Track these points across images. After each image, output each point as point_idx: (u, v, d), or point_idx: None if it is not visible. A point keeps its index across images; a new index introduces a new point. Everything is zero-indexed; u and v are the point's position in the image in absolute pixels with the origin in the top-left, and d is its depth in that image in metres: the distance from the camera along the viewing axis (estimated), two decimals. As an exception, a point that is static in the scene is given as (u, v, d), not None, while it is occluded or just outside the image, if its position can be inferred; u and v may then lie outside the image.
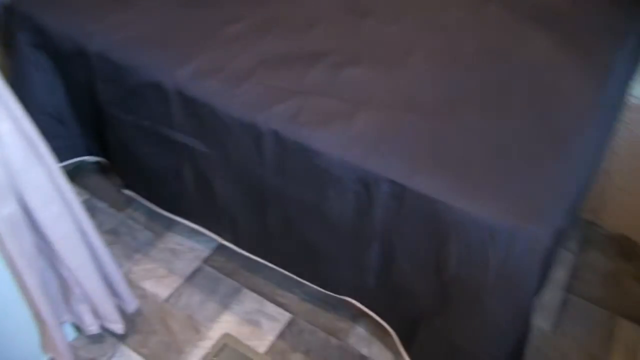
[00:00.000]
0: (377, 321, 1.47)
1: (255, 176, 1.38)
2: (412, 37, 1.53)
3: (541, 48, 1.53)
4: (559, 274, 1.78)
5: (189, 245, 1.81)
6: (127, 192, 1.82)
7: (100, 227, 1.79)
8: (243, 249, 1.61)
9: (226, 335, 1.59)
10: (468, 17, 1.65)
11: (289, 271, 1.57)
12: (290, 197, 1.35)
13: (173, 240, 1.83)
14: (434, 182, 1.14)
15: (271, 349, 1.57)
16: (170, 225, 1.85)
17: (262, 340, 1.58)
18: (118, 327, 1.49)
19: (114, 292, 1.46)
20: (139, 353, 1.55)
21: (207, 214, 1.62)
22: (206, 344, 1.57)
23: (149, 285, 1.71)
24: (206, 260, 1.78)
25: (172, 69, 1.41)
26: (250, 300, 1.68)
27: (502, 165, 1.17)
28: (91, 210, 1.85)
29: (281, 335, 1.60)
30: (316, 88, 1.34)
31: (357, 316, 1.61)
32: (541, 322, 1.64)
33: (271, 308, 1.67)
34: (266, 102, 1.31)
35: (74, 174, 1.92)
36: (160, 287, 1.71)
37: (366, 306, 1.47)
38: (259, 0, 1.66)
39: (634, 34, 1.69)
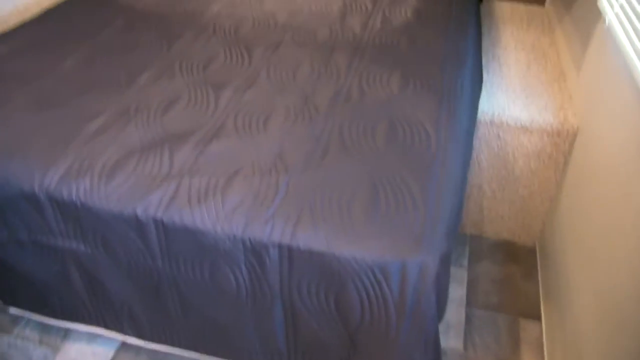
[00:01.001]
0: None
1: (146, 266, 1.39)
2: (269, 99, 1.63)
3: (391, 85, 1.68)
4: (457, 292, 1.90)
5: (91, 350, 1.77)
6: (13, 310, 1.75)
7: (-13, 358, 1.71)
8: (148, 340, 1.60)
9: None
10: (319, 68, 1.77)
11: (199, 351, 1.57)
12: (185, 279, 1.38)
13: (72, 349, 1.78)
14: (317, 237, 1.21)
15: None
16: (66, 334, 1.80)
17: None
18: None
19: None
20: None
21: (104, 313, 1.60)
22: None
23: (57, 404, 1.64)
24: (112, 362, 1.74)
25: (40, 175, 1.41)
26: (167, 392, 1.66)
27: (378, 204, 1.27)
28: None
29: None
30: (187, 168, 1.39)
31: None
32: (452, 342, 1.75)
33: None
34: (141, 192, 1.34)
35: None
36: (69, 402, 1.65)
37: (283, 370, 1.50)
38: (114, 90, 1.69)
39: (472, 60, 1.89)
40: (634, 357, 1.10)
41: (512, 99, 2.11)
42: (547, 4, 2.92)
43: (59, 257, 1.48)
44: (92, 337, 1.75)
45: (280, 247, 1.22)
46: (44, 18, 2.19)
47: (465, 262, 2.02)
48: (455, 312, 1.84)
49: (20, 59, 1.88)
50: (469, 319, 1.84)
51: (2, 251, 1.55)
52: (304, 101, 1.61)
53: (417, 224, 1.23)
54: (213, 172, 1.37)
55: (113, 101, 1.65)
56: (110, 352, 1.76)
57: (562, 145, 2.06)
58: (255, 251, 1.25)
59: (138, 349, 1.65)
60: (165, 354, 1.61)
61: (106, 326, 1.64)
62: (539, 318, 1.85)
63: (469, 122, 1.70)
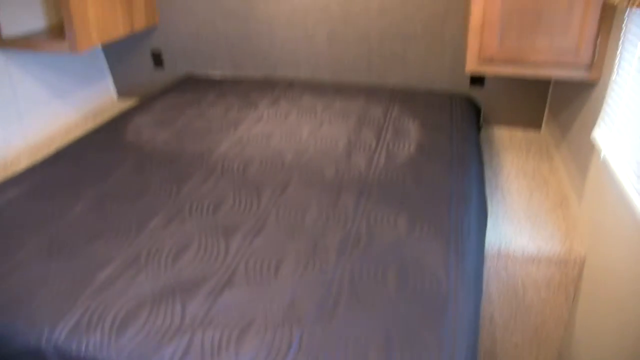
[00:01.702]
0: None
1: None
2: (279, 245, 1.67)
3: (399, 227, 1.72)
4: None
5: None
6: None
7: None
8: None
9: None
10: (328, 211, 1.82)
11: None
12: None
13: None
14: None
15: None
16: None
17: None
18: None
19: None
20: None
21: None
22: None
23: None
24: None
25: (48, 329, 1.41)
26: None
27: (393, 356, 1.27)
28: None
29: None
30: (199, 321, 1.40)
31: None
32: None
33: None
34: (153, 347, 1.34)
35: None
36: None
37: None
38: (125, 236, 1.74)
39: (477, 195, 1.96)
40: None
41: (518, 229, 2.15)
42: (542, 129, 3.04)
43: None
44: None
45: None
46: (55, 160, 2.28)
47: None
48: None
49: (31, 204, 1.95)
50: None
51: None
52: (313, 246, 1.65)
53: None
54: (225, 325, 1.38)
55: (124, 248, 1.69)
56: None
57: (570, 274, 2.08)
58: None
59: None
60: None
61: None
62: None
63: (477, 259, 1.73)
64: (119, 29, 3.04)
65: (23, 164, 2.60)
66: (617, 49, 1.95)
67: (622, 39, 1.92)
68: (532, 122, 3.07)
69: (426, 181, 2.01)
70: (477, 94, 3.05)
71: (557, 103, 2.79)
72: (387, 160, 2.17)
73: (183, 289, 1.50)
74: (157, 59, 3.50)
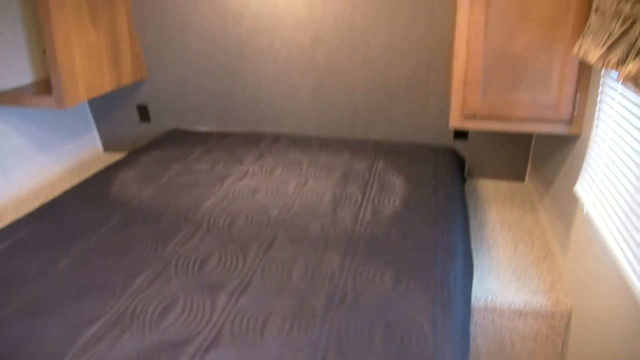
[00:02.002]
0: None
1: None
2: (265, 303, 1.68)
3: (385, 283, 1.74)
4: None
5: None
6: None
7: None
8: None
9: None
10: (314, 268, 1.84)
11: None
12: None
13: None
14: None
15: None
16: None
17: None
18: None
19: None
20: None
21: None
22: None
23: None
24: None
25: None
26: None
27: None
28: None
29: None
30: (186, 382, 1.39)
31: None
32: None
33: None
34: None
35: None
36: None
37: None
38: (110, 294, 1.74)
39: (462, 249, 1.98)
40: None
41: (504, 282, 2.17)
42: (526, 180, 3.09)
43: None
44: None
45: None
46: (40, 214, 2.28)
47: None
48: None
49: (16, 259, 1.95)
50: None
51: None
52: (299, 304, 1.65)
53: None
54: (212, 386, 1.38)
55: (109, 305, 1.69)
56: None
57: (557, 327, 2.09)
58: None
59: None
60: None
61: None
62: None
63: (464, 313, 1.75)
64: (105, 85, 3.09)
65: (8, 218, 2.60)
66: (595, 105, 2.02)
67: (599, 95, 1.99)
68: (516, 173, 3.13)
69: (412, 236, 2.03)
70: (460, 146, 3.11)
71: (539, 155, 2.85)
72: (372, 216, 2.19)
73: (168, 349, 1.50)
74: (144, 113, 3.55)
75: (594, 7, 1.92)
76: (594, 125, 2.03)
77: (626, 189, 1.70)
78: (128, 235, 2.09)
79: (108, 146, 3.72)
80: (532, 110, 2.21)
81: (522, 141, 3.03)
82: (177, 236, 2.06)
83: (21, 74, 3.05)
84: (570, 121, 2.20)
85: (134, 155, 3.01)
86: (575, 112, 2.18)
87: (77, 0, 2.81)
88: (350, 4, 2.92)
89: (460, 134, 3.07)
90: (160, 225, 2.15)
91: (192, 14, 3.16)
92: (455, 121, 2.29)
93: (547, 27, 2.10)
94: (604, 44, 1.67)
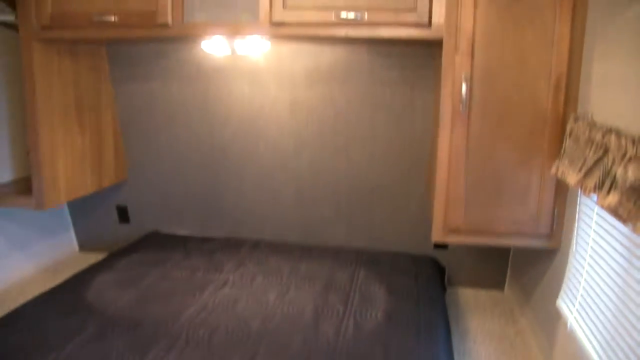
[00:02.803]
0: None
1: None
2: None
3: None
4: None
5: None
6: None
7: None
8: None
9: None
10: None
11: None
12: None
13: None
14: None
15: None
16: None
17: None
18: None
19: None
20: None
21: None
22: None
23: None
24: None
25: None
26: None
27: None
28: None
29: None
30: None
31: None
32: None
33: None
34: None
35: None
36: None
37: None
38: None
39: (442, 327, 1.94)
40: None
41: (488, 400, 2.12)
42: (505, 290, 3.10)
43: None
44: None
45: None
46: (10, 321, 2.21)
47: None
48: None
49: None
50: None
51: None
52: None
53: None
54: None
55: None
56: None
57: None
58: None
59: None
60: None
61: None
62: None
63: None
64: (87, 187, 3.10)
65: (-24, 325, 2.51)
66: (574, 220, 2.07)
67: (578, 211, 2.05)
68: (495, 282, 3.14)
69: (395, 352, 2.00)
70: (440, 255, 3.13)
71: (519, 265, 2.88)
72: (355, 329, 2.16)
73: None
74: (123, 214, 3.53)
75: (568, 131, 2.01)
76: (574, 240, 2.08)
77: (608, 307, 1.71)
78: (103, 347, 2.01)
79: (84, 246, 3.67)
80: (512, 225, 2.26)
81: (501, 251, 3.06)
82: (154, 349, 1.99)
83: (2, 171, 3.04)
84: (549, 235, 2.25)
85: (112, 258, 2.96)
86: (554, 227, 2.22)
87: (65, 103, 2.87)
88: (333, 111, 3.02)
89: (441, 244, 3.10)
90: (138, 336, 2.08)
91: (178, 116, 3.23)
92: (438, 236, 2.32)
93: (524, 147, 2.19)
94: (580, 169, 1.73)
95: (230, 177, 3.28)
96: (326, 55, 2.94)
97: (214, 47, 2.67)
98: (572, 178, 1.81)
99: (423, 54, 2.82)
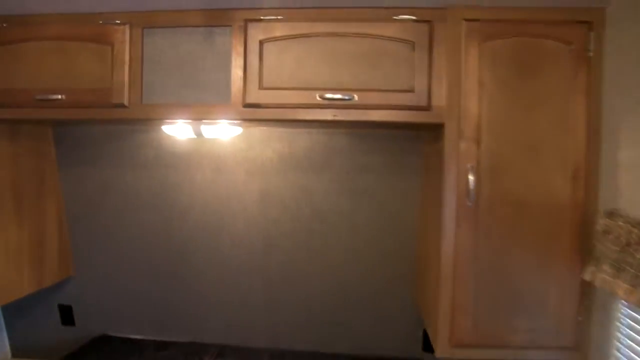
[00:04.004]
0: None
1: None
2: None
3: None
4: None
5: None
6: None
7: None
8: None
9: None
10: None
11: None
12: None
13: None
14: None
15: None
16: None
17: None
18: None
19: None
20: None
21: None
22: None
23: None
24: None
25: None
26: None
27: None
28: None
29: None
30: None
31: None
32: None
33: None
34: None
35: None
36: None
37: None
38: None
39: None
40: None
41: None
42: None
43: None
44: None
45: None
46: None
47: None
48: None
49: None
50: None
51: None
52: None
53: None
54: None
55: None
56: None
57: None
58: None
59: None
60: None
61: None
62: None
63: None
64: (23, 288, 2.64)
65: None
66: (606, 331, 1.76)
67: (610, 319, 1.74)
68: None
69: None
70: (429, 359, 2.74)
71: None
72: None
73: None
74: (67, 315, 3.06)
75: (599, 229, 1.72)
76: (604, 353, 1.75)
77: None
78: None
79: (19, 352, 3.14)
80: (529, 337, 1.93)
81: None
82: None
83: None
84: (573, 348, 1.91)
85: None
86: (579, 339, 1.90)
87: (1, 191, 2.45)
88: (309, 204, 2.68)
89: (430, 346, 2.73)
90: None
91: (132, 206, 2.83)
92: (443, 351, 1.96)
93: (541, 247, 1.89)
94: (634, 282, 1.43)
95: (191, 275, 2.86)
96: (302, 139, 2.62)
97: (176, 130, 2.33)
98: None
99: (408, 137, 2.54)
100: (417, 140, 2.53)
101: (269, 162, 2.66)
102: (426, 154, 2.45)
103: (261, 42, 2.01)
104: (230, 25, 2.06)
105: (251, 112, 2.03)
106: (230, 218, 2.76)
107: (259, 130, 2.61)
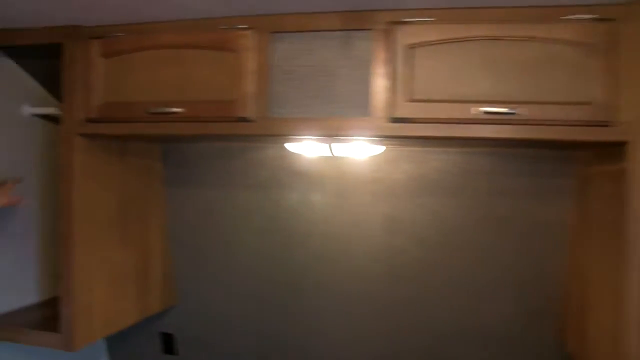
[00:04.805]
0: None
1: None
2: None
3: None
4: None
5: None
6: None
7: None
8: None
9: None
10: None
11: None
12: None
13: None
14: None
15: None
16: None
17: None
18: None
19: None
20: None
21: None
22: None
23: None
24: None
25: None
26: None
27: None
28: None
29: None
30: None
31: None
32: None
33: None
34: None
35: None
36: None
37: None
38: None
39: None
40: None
41: None
42: None
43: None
44: None
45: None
46: None
47: None
48: None
49: None
50: None
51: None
52: None
53: None
54: None
55: None
56: None
57: None
58: None
59: None
60: None
61: None
62: None
63: None
64: (128, 317, 2.44)
65: None
66: None
67: None
68: None
69: None
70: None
71: None
72: None
73: None
74: (168, 344, 2.84)
75: None
76: None
77: None
78: None
79: (120, 381, 2.96)
80: None
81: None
82: None
83: (26, 292, 2.45)
84: None
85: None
86: None
87: (107, 212, 2.27)
88: (439, 232, 2.34)
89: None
90: None
91: (242, 230, 2.58)
92: None
93: None
94: None
95: (303, 307, 2.56)
96: (434, 159, 2.29)
97: (302, 147, 2.06)
98: None
99: (557, 157, 2.18)
100: (568, 161, 2.17)
101: (397, 185, 2.35)
102: (584, 177, 2.08)
103: (410, 47, 1.71)
104: (371, 29, 1.78)
105: (398, 128, 1.73)
106: (350, 246, 2.46)
107: (387, 150, 2.31)
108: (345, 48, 1.80)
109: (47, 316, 2.32)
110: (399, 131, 1.74)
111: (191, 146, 2.57)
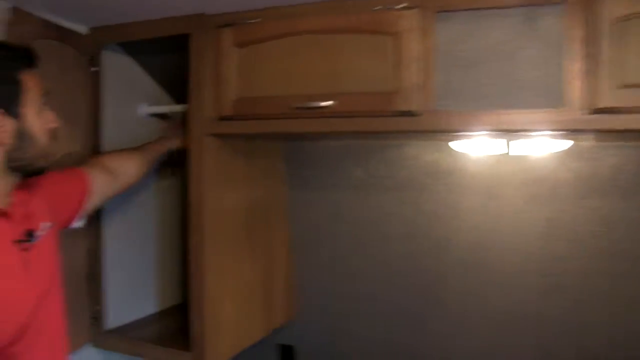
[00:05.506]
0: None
1: None
2: None
3: None
4: None
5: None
6: None
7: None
8: None
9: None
10: None
11: None
12: None
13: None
14: None
15: None
16: None
17: None
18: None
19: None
20: None
21: None
22: None
23: None
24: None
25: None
26: None
27: None
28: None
29: None
30: None
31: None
32: None
33: None
34: None
35: None
36: None
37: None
38: None
39: None
40: None
41: None
42: None
43: None
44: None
45: None
46: None
47: None
48: None
49: None
50: None
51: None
52: None
53: None
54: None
55: None
56: None
57: None
58: None
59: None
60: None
61: None
62: None
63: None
64: (255, 333, 2.23)
65: None
66: None
67: None
68: None
69: None
70: None
71: None
72: None
73: None
74: (287, 356, 2.62)
75: None
76: None
77: None
78: None
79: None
80: None
81: None
82: None
83: (145, 301, 2.32)
84: None
85: None
86: None
87: (236, 217, 2.06)
88: (608, 244, 2.01)
89: None
90: None
91: (372, 236, 2.33)
92: None
93: None
94: None
95: (442, 321, 2.26)
96: (609, 154, 1.96)
97: (471, 145, 1.79)
98: None
99: None
100: None
101: (561, 185, 2.03)
102: None
103: (620, 20, 1.40)
104: (560, 3, 1.48)
105: (603, 120, 1.41)
106: (501, 253, 2.15)
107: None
108: (528, 26, 1.51)
109: (171, 330, 2.17)
110: (605, 124, 1.42)
111: (313, 144, 2.34)
